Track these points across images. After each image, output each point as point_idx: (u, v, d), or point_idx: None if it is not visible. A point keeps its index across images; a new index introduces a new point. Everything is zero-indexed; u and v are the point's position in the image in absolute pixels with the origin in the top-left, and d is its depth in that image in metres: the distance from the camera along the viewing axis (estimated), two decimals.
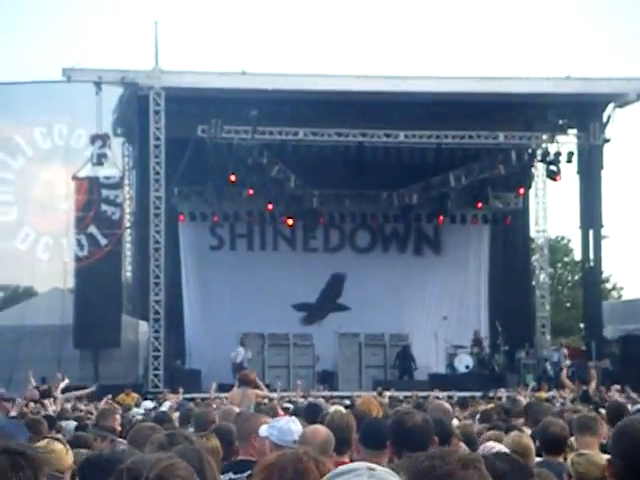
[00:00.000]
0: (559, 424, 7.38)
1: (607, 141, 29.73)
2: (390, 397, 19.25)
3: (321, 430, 6.40)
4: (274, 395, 20.03)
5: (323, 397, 20.69)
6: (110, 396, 18.21)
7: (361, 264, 31.70)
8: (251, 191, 29.72)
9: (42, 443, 5.73)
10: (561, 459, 7.14)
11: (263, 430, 6.22)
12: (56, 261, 28.15)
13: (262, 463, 3.84)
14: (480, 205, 31.52)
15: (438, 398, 19.43)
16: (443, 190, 30.56)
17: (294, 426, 6.03)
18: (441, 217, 31.77)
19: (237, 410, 10.03)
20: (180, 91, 27.20)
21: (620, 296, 51.60)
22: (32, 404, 16.36)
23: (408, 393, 22.60)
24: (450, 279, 32.06)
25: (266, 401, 14.95)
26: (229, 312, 30.77)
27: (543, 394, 23.39)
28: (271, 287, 30.62)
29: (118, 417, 9.56)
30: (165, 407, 14.01)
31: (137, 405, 16.88)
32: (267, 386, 19.64)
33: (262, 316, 29.82)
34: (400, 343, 30.12)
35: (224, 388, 18.90)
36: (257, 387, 14.71)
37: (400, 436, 5.68)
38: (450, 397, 19.90)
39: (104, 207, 27.74)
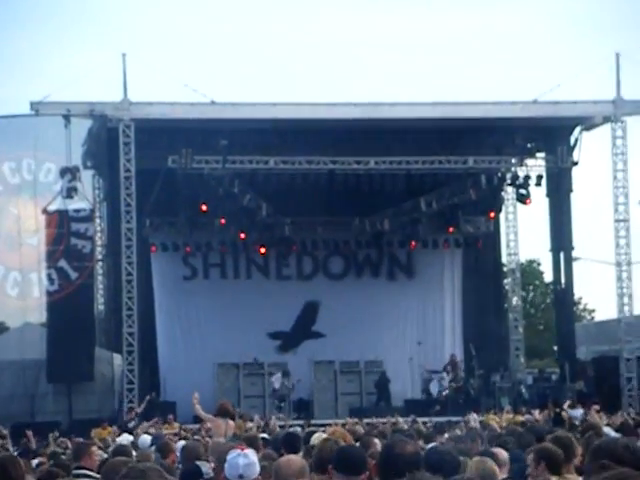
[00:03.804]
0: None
1: (575, 164, 30.01)
2: (368, 424, 19.21)
3: (294, 460, 6.38)
4: (250, 425, 19.95)
5: (300, 426, 20.60)
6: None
7: (335, 291, 31.72)
8: (223, 220, 29.71)
9: None
10: None
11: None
12: (26, 296, 27.96)
13: None
14: (451, 229, 31.68)
15: (415, 422, 19.45)
16: (414, 215, 30.69)
17: (242, 459, 5.89)
18: (413, 242, 31.89)
19: (223, 442, 10.01)
20: (149, 122, 27.21)
21: (592, 318, 51.87)
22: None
23: (384, 420, 22.56)
24: (424, 304, 32.14)
25: (239, 432, 14.89)
26: (203, 342, 30.65)
27: (519, 417, 23.44)
28: (245, 316, 30.56)
29: (95, 451, 9.46)
30: (144, 441, 13.89)
31: (112, 440, 16.72)
32: (240, 416, 19.61)
33: (237, 345, 29.73)
34: (376, 370, 30.10)
35: (198, 420, 18.73)
36: (233, 418, 14.71)
37: (388, 462, 5.69)
38: (424, 423, 19.88)
39: (74, 240, 27.61)
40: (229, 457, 5.97)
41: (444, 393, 29.03)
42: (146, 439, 14.50)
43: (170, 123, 27.30)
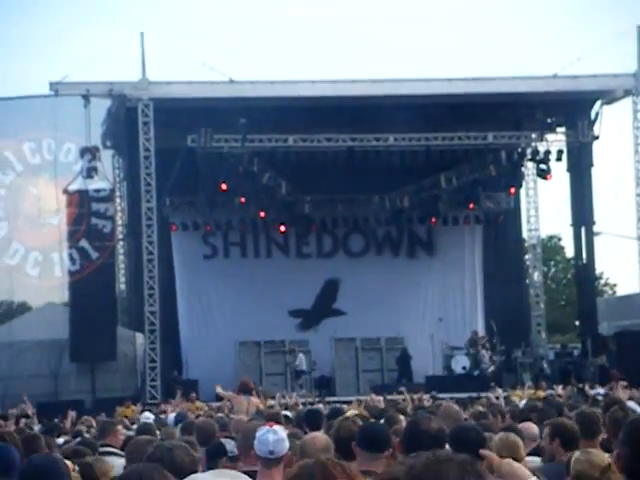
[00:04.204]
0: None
1: (596, 138, 29.79)
2: (389, 400, 19.24)
3: (319, 437, 6.39)
4: (272, 402, 20.02)
5: (321, 402, 20.66)
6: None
7: (355, 269, 31.71)
8: (243, 199, 29.74)
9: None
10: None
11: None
12: (46, 276, 28.12)
13: (286, 476, 3.84)
14: (472, 206, 31.56)
15: (436, 398, 19.45)
16: (434, 192, 30.59)
17: (272, 436, 5.92)
18: (433, 219, 31.81)
19: (245, 419, 10.04)
20: (168, 102, 27.20)
21: (614, 292, 51.67)
22: (23, 419, 16.31)
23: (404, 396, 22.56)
24: (444, 281, 32.09)
25: (262, 408, 14.94)
26: (224, 321, 30.76)
27: (541, 392, 23.41)
28: (266, 294, 30.62)
29: (120, 430, 9.51)
30: (170, 420, 13.97)
31: (137, 419, 16.82)
32: (262, 394, 19.69)
33: (258, 323, 29.81)
34: (397, 346, 30.12)
35: (220, 398, 18.82)
36: (257, 395, 14.79)
37: (412, 438, 5.69)
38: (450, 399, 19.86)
39: (95, 220, 27.71)
40: (259, 434, 6.00)
41: (466, 369, 28.99)
42: (171, 417, 14.58)
43: (189, 102, 27.27)
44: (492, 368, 28.78)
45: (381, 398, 19.01)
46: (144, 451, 5.65)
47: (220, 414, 14.37)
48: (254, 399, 14.72)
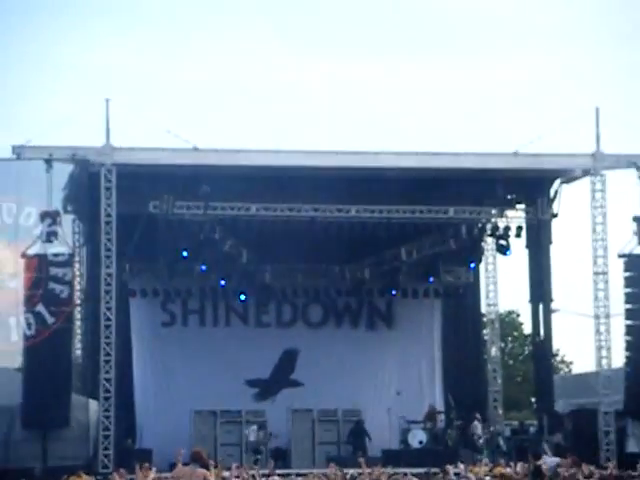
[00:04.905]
0: None
1: (555, 216, 30.20)
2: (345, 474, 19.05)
3: None
4: (226, 474, 19.77)
5: (278, 475, 20.42)
6: None
7: (314, 339, 31.65)
8: (203, 267, 29.68)
9: None
10: None
11: None
12: (2, 341, 27.76)
13: None
14: (432, 279, 31.74)
15: (391, 475, 19.32)
16: (395, 264, 30.75)
17: None
18: (393, 291, 31.92)
19: None
20: (131, 167, 27.21)
21: (570, 370, 51.87)
22: None
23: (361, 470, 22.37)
24: (403, 353, 32.09)
25: None
26: (181, 389, 30.47)
27: (500, 469, 23.34)
28: (223, 363, 30.43)
29: None
30: None
31: None
32: (216, 465, 19.42)
33: (214, 392, 29.56)
34: (353, 419, 29.96)
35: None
36: (207, 467, 14.61)
37: None
38: (405, 474, 19.75)
39: (52, 285, 27.45)
40: None
41: (422, 444, 28.86)
42: None
43: (152, 169, 27.32)
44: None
45: (350, 470, 18.83)
46: None
47: None
48: (200, 471, 14.50)
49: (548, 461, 24.58)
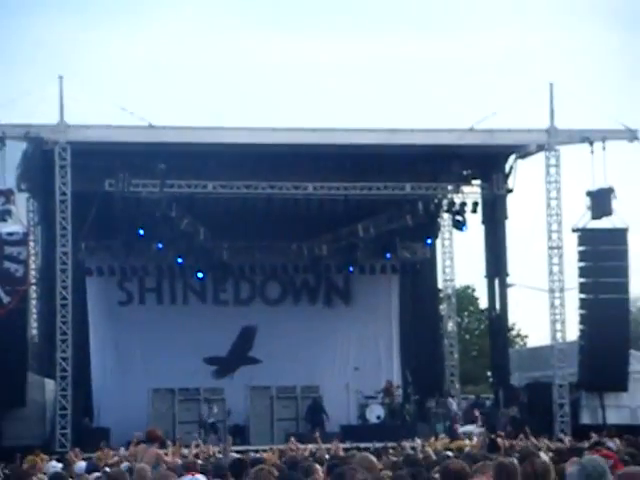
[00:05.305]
0: (459, 463, 7.58)
1: (510, 191, 30.43)
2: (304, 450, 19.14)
3: None
4: (185, 451, 19.77)
5: (236, 452, 20.45)
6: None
7: (272, 316, 31.65)
8: (160, 245, 29.54)
9: None
10: None
11: None
12: None
13: None
14: (389, 255, 31.87)
15: (347, 450, 19.43)
16: (352, 241, 30.82)
17: None
18: (351, 268, 32.01)
19: (147, 469, 9.87)
20: (86, 145, 26.97)
21: (525, 344, 52.40)
22: None
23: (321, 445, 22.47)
24: (361, 329, 32.22)
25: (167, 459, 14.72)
26: (138, 367, 30.35)
27: (459, 443, 23.59)
28: (181, 341, 30.34)
29: None
30: (79, 468, 13.70)
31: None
32: (175, 442, 19.43)
33: (172, 370, 29.49)
34: (312, 395, 30.05)
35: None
36: (163, 445, 14.62)
37: None
38: (359, 449, 19.85)
39: (7, 264, 27.17)
40: None
41: (380, 419, 29.06)
42: (81, 466, 14.32)
43: (107, 146, 27.08)
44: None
45: (308, 446, 18.91)
46: None
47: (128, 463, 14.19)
48: (153, 450, 14.49)
49: (462, 430, 25.08)
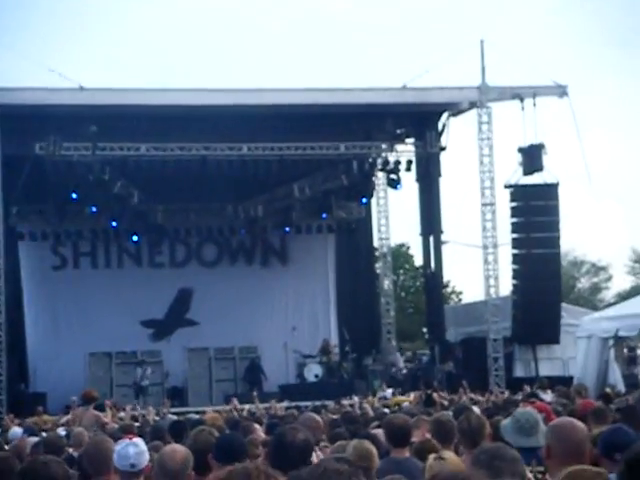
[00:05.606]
0: (402, 417, 7.70)
1: (443, 149, 30.64)
2: (242, 410, 19.24)
3: (179, 450, 6.37)
4: (122, 414, 19.74)
5: (175, 414, 20.49)
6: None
7: (208, 278, 31.61)
8: (94, 208, 29.24)
9: None
10: (407, 454, 7.41)
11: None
12: None
13: None
14: (324, 215, 31.97)
15: (287, 409, 19.59)
16: (288, 201, 30.83)
17: (132, 448, 5.85)
18: (287, 228, 32.06)
19: (85, 433, 9.87)
20: (15, 108, 26.48)
21: (460, 300, 53.11)
22: None
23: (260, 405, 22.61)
24: (298, 289, 32.35)
25: (107, 420, 14.71)
26: (74, 332, 30.15)
27: (396, 398, 23.88)
28: (117, 305, 30.18)
29: None
30: (15, 434, 13.61)
31: None
32: (114, 405, 19.39)
33: (109, 334, 29.36)
34: (250, 355, 30.17)
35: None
36: (102, 408, 14.59)
37: (279, 450, 5.69)
38: (299, 407, 20.03)
39: None
40: (118, 447, 5.92)
41: (318, 377, 29.30)
42: (16, 431, 14.24)
43: (37, 109, 26.64)
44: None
45: (246, 406, 18.99)
46: (9, 467, 5.51)
47: (64, 428, 14.15)
48: (92, 412, 14.45)
49: (383, 394, 25.45)
